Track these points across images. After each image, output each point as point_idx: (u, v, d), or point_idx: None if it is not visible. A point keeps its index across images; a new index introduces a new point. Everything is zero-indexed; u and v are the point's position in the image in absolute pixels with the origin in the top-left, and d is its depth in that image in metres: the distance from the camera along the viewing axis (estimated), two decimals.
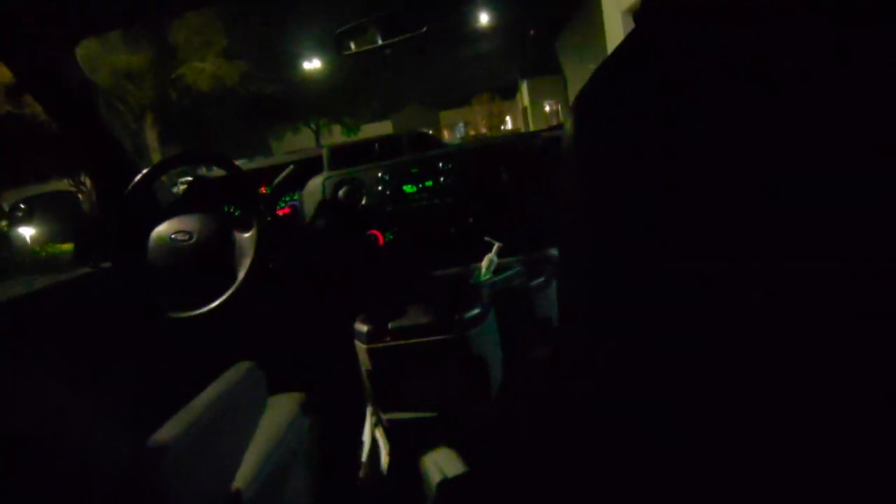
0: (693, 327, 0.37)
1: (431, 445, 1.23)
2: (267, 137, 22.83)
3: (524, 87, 26.30)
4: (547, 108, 24.72)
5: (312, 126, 21.94)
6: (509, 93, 30.07)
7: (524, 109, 26.71)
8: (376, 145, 1.57)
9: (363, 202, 1.47)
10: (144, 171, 1.25)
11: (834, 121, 0.27)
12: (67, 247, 1.59)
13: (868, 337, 0.27)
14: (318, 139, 22.03)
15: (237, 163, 1.34)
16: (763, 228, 0.30)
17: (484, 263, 1.26)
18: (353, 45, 1.42)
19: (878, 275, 0.26)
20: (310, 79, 20.07)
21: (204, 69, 15.84)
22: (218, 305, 1.16)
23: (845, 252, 0.27)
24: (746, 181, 0.31)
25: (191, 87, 16.02)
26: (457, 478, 1.15)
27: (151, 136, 15.56)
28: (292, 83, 19.53)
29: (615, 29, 9.83)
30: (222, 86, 16.37)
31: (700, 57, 0.35)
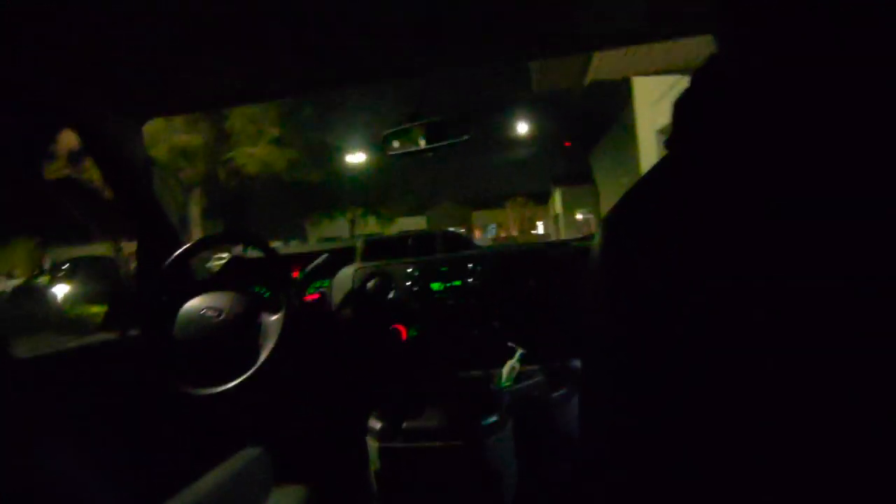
0: (718, 461, 0.35)
1: None
2: (303, 222, 23.63)
3: (557, 195, 26.97)
4: (579, 217, 25.14)
5: (349, 215, 22.66)
6: (542, 199, 30.85)
7: (556, 216, 27.22)
8: (410, 241, 1.61)
9: (391, 295, 1.49)
10: (186, 245, 1.30)
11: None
12: (97, 309, 1.62)
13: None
14: (352, 228, 22.69)
15: (272, 245, 1.38)
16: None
17: (505, 370, 1.24)
18: (397, 145, 1.50)
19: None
20: (351, 170, 21.03)
21: (254, 154, 16.77)
22: (236, 385, 1.16)
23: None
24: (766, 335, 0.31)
25: (239, 169, 16.90)
26: None
27: (196, 211, 16.26)
28: (334, 173, 20.45)
29: (648, 146, 10.18)
30: (269, 170, 17.23)
31: (729, 189, 0.35)
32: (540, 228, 30.09)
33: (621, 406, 0.47)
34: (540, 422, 1.18)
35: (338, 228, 22.85)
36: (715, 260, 0.35)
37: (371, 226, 22.72)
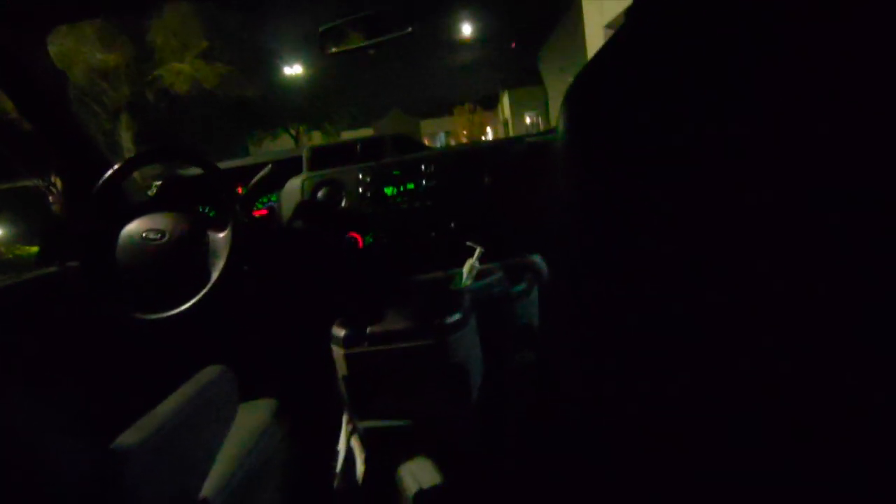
0: (687, 327, 0.36)
1: (409, 455, 1.20)
2: (245, 143, 22.62)
3: (505, 99, 26.57)
4: (528, 120, 25.00)
5: (292, 132, 21.81)
6: (491, 103, 30.33)
7: (505, 121, 26.97)
8: (358, 146, 1.54)
9: (343, 204, 1.45)
10: (116, 166, 1.21)
11: (809, 119, 0.27)
12: (35, 249, 1.54)
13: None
14: (297, 145, 21.92)
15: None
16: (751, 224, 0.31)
17: (465, 269, 1.24)
18: (336, 45, 1.40)
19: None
20: (291, 84, 19.97)
21: (182, 70, 15.63)
22: (189, 307, 1.12)
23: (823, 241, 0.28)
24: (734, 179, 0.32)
25: (168, 88, 15.79)
26: (434, 489, 1.13)
27: (126, 138, 15.25)
28: (273, 88, 19.39)
29: (597, 41, 10.01)
30: (200, 88, 16.16)
31: (689, 53, 0.35)
32: (490, 134, 29.80)
33: (590, 288, 0.47)
34: (501, 315, 1.20)
35: (282, 147, 22.03)
36: (674, 127, 0.34)
37: (316, 141, 21.98)
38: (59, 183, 1.61)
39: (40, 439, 0.66)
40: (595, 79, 0.42)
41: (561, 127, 0.46)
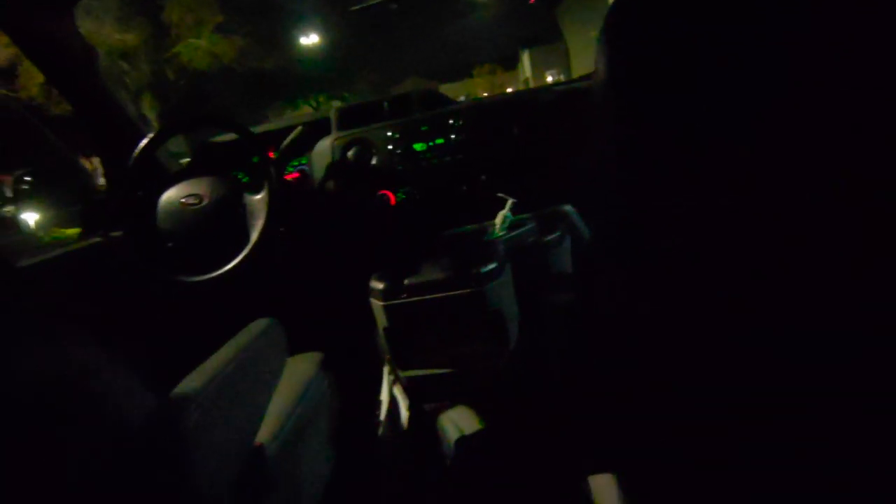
0: (738, 273, 0.35)
1: (450, 402, 1.23)
2: (266, 116, 22.68)
3: (525, 58, 25.92)
4: (549, 79, 24.38)
5: (312, 103, 21.74)
6: (510, 63, 29.62)
7: (525, 80, 26.37)
8: (385, 104, 1.54)
9: (373, 162, 1.46)
10: (150, 135, 1.23)
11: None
12: (73, 231, 1.58)
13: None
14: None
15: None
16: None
17: (498, 220, 1.25)
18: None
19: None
20: (308, 54, 19.81)
21: (199, 46, 15.62)
22: (231, 268, 1.16)
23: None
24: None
25: (187, 65, 15.82)
26: (474, 434, 1.16)
27: (150, 118, 15.44)
28: (291, 59, 19.27)
29: None
30: (219, 63, 16.16)
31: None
32: None
33: (634, 234, 0.47)
34: (535, 264, 1.21)
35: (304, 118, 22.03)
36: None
37: None
38: (94, 161, 1.65)
39: (100, 390, 0.69)
40: (641, 6, 0.40)
41: (598, 67, 0.44)
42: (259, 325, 1.04)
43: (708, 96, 0.35)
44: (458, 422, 1.20)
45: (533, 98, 1.43)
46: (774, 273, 0.32)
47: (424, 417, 1.23)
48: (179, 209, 1.22)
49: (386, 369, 1.32)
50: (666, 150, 0.40)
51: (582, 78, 1.59)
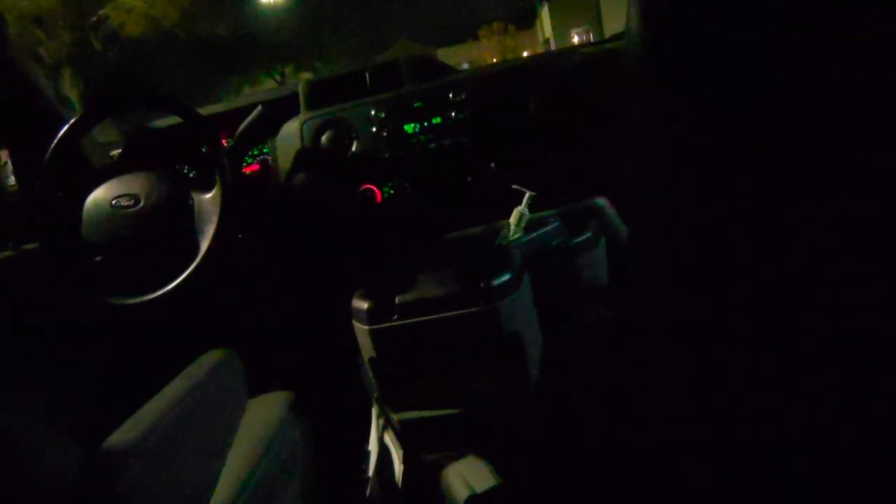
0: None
1: (455, 453, 1.23)
2: (219, 94, 22.79)
3: (545, 14, 26.05)
4: (576, 39, 24.46)
5: (276, 76, 21.85)
6: (526, 22, 29.77)
7: (545, 42, 26.47)
8: (367, 76, 1.55)
9: (353, 149, 1.46)
10: (72, 120, 1.24)
11: None
12: None
13: None
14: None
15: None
16: None
17: (512, 219, 1.25)
18: None
19: None
20: (271, 15, 19.93)
21: (133, 7, 15.74)
22: (176, 287, 1.16)
23: None
24: None
25: (118, 31, 15.93)
26: (487, 493, 1.16)
27: (72, 98, 15.52)
28: (248, 22, 19.39)
29: None
30: (159, 28, 16.27)
31: None
32: None
33: (699, 231, 0.47)
34: (561, 273, 1.21)
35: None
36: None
37: None
38: (1, 155, 1.66)
39: (15, 444, 0.69)
40: None
41: (630, 22, 0.45)
42: (212, 357, 1.04)
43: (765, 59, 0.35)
44: (465, 477, 1.19)
45: (554, 64, 1.44)
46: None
47: (423, 472, 1.23)
48: (110, 213, 1.23)
49: (374, 411, 1.32)
50: (721, 122, 0.40)
51: (616, 37, 1.60)
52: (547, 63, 1.46)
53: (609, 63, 1.37)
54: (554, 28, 25.05)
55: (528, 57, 1.53)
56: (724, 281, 0.43)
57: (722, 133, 0.39)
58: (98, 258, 1.23)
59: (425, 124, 1.44)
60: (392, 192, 1.44)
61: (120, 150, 1.69)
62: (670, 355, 0.51)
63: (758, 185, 0.38)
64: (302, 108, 1.56)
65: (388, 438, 1.28)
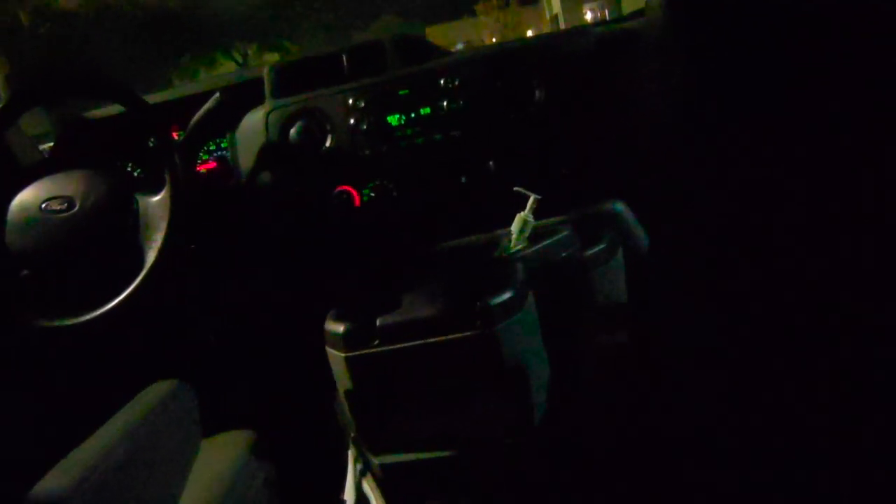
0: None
1: (446, 500, 1.23)
2: (169, 75, 22.78)
3: None
4: (588, 16, 24.62)
5: (237, 56, 21.87)
6: None
7: (553, 18, 26.63)
8: (344, 58, 1.55)
9: (327, 144, 1.46)
10: None
11: None
12: None
13: None
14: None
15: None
16: None
17: (515, 227, 1.26)
18: None
19: None
20: None
21: None
22: (117, 306, 1.16)
23: None
24: None
25: (49, 5, 15.94)
26: None
27: None
28: None
29: None
30: (97, 2, 16.29)
31: None
32: None
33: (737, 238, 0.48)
34: (572, 290, 1.21)
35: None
36: None
37: None
38: None
39: None
40: None
41: (654, 2, 0.46)
42: (159, 390, 1.04)
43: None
44: None
45: (563, 45, 1.44)
46: None
47: None
48: (39, 219, 1.22)
49: (351, 454, 1.32)
50: (758, 112, 0.41)
51: (635, 14, 1.61)
52: (555, 44, 1.46)
53: (627, 45, 1.38)
54: (563, 3, 25.20)
55: (532, 37, 1.54)
56: (766, 299, 0.43)
57: (759, 125, 0.40)
58: (25, 272, 1.23)
59: (412, 115, 1.44)
60: (373, 194, 1.45)
61: (51, 144, 1.68)
62: (699, 388, 0.52)
63: (808, 182, 0.39)
64: (267, 95, 1.56)
65: (367, 486, 1.28)
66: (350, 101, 1.46)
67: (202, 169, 1.57)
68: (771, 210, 0.39)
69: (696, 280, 0.45)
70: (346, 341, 1.13)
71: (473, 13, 30.43)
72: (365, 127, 1.44)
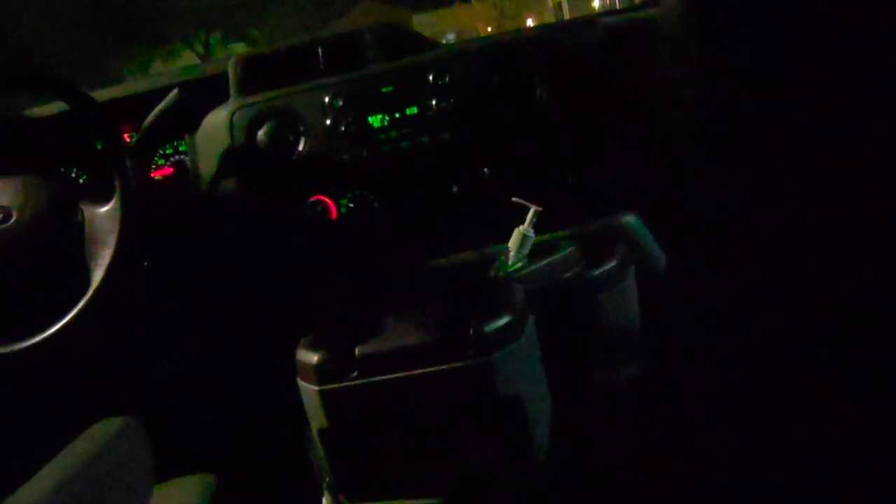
0: None
1: None
2: (120, 69, 22.77)
3: None
4: (596, 3, 24.80)
5: (199, 47, 21.89)
6: None
7: (557, 4, 26.79)
8: (320, 51, 1.56)
9: (300, 148, 1.46)
10: None
11: None
12: None
13: None
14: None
15: None
16: None
17: (513, 242, 1.26)
18: None
19: None
20: None
21: None
22: (59, 331, 1.15)
23: None
24: None
25: None
26: None
27: None
28: None
29: None
30: None
31: None
32: None
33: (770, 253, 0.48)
34: (577, 315, 1.21)
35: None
36: None
37: None
38: None
39: None
40: None
41: None
42: (107, 428, 1.03)
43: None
44: None
45: (569, 37, 1.45)
46: None
47: None
48: None
49: (325, 502, 1.31)
50: (786, 111, 0.41)
51: (648, 2, 1.63)
52: (558, 36, 1.47)
53: (640, 37, 1.39)
54: None
55: (533, 27, 1.55)
56: (809, 330, 0.44)
57: (796, 128, 0.40)
58: None
59: (397, 116, 1.44)
60: (351, 205, 1.45)
61: None
62: (722, 432, 0.52)
63: (859, 193, 0.39)
64: (232, 92, 1.56)
65: None
66: (326, 100, 1.46)
67: (157, 175, 1.57)
68: (815, 225, 0.39)
69: (722, 305, 0.44)
70: (320, 373, 1.13)
71: (467, 0, 30.60)
72: (343, 129, 1.44)
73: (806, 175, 0.38)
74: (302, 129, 1.46)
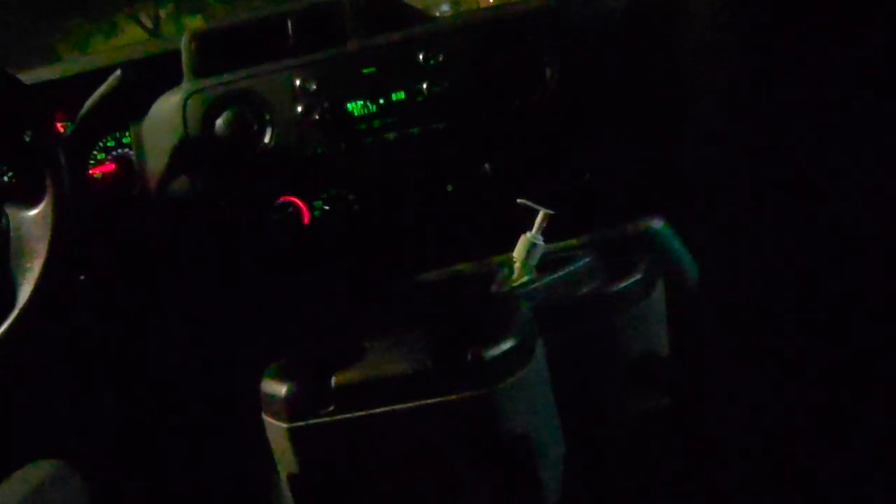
0: None
1: None
2: (53, 45, 22.77)
3: None
4: None
5: (146, 20, 21.89)
6: None
7: None
8: (289, 24, 1.55)
9: (266, 140, 1.46)
10: None
11: None
12: None
13: None
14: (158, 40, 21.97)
15: None
16: None
17: (519, 252, 1.26)
18: None
19: None
20: None
21: None
22: None
23: None
24: None
25: None
26: None
27: None
28: None
29: None
30: None
31: None
32: None
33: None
34: (595, 338, 1.21)
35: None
36: None
37: None
38: None
39: None
40: None
41: None
42: (34, 473, 1.03)
43: None
44: None
45: (583, 10, 1.45)
46: None
47: None
48: None
49: None
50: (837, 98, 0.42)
51: None
52: (572, 9, 1.47)
53: (666, 10, 1.39)
54: None
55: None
56: (858, 352, 0.44)
57: (847, 121, 0.41)
58: None
59: (381, 102, 1.44)
60: (327, 208, 1.44)
61: None
62: (760, 470, 0.52)
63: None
64: (185, 73, 1.56)
65: None
66: (297, 82, 1.45)
67: (96, 172, 1.57)
68: (864, 231, 0.39)
69: (765, 326, 0.44)
70: (289, 407, 1.12)
71: None
72: (317, 117, 1.44)
73: (866, 174, 0.38)
74: (268, 117, 1.46)
